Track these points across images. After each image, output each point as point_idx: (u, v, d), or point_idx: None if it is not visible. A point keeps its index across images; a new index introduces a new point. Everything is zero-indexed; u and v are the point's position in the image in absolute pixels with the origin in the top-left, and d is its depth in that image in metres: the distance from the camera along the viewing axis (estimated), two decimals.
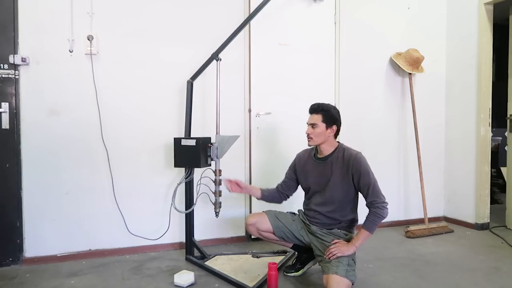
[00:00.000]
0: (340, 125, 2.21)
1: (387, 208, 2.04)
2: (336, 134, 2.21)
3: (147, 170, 2.74)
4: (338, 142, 2.23)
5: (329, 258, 1.98)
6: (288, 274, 2.34)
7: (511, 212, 3.34)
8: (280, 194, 2.41)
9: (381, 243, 2.94)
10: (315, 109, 2.18)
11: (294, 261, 2.41)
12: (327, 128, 2.15)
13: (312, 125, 2.16)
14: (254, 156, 2.98)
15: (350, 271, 1.95)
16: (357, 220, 2.23)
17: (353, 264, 2.02)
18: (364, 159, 2.12)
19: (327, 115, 2.15)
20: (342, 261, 1.95)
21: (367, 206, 2.07)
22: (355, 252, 2.04)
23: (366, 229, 2.03)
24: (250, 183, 2.98)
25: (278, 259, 2.54)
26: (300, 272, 2.35)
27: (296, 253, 2.44)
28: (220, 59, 2.57)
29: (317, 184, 2.23)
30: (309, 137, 2.18)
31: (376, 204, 2.03)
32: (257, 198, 2.41)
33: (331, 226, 2.18)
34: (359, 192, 2.15)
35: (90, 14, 2.58)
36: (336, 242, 2.05)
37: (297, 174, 2.36)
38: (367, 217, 2.04)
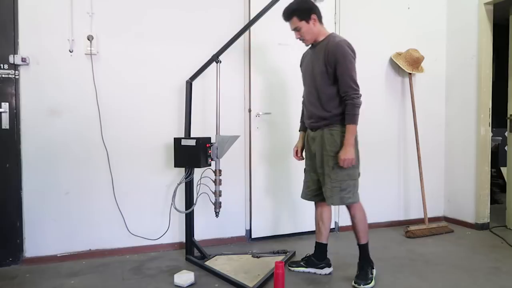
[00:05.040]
0: (318, 9, 2.19)
1: (359, 98, 2.08)
2: (320, 19, 2.20)
3: (147, 170, 2.74)
4: (332, 32, 2.23)
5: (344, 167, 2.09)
6: (290, 268, 2.37)
7: (511, 212, 3.34)
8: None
9: (381, 243, 2.94)
10: (286, 15, 2.18)
11: (303, 258, 2.42)
12: (308, 22, 2.15)
13: (295, 29, 2.18)
14: (254, 156, 2.98)
15: (344, 195, 2.09)
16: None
17: (348, 185, 2.11)
18: (346, 47, 2.09)
19: (299, 12, 2.15)
20: (334, 190, 2.09)
21: (343, 99, 2.10)
22: (352, 168, 2.12)
23: (348, 123, 2.08)
24: (250, 183, 2.98)
25: (278, 259, 2.54)
26: (300, 269, 2.36)
27: (308, 254, 2.43)
28: (220, 61, 2.57)
29: (306, 73, 2.27)
30: (301, 40, 2.22)
31: (350, 95, 2.06)
32: None
33: (323, 121, 2.17)
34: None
35: (90, 14, 2.58)
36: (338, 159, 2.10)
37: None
38: (346, 113, 2.09)
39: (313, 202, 2.40)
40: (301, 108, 2.49)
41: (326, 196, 2.18)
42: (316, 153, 2.23)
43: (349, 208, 2.21)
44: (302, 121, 2.47)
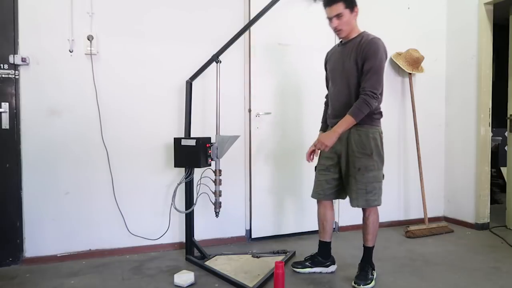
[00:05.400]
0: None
1: (375, 99, 2.01)
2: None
3: (147, 170, 2.74)
4: (365, 31, 2.16)
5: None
6: (295, 269, 2.35)
7: (511, 212, 3.34)
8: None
9: (381, 243, 2.93)
10: None
11: (307, 258, 2.39)
12: (351, 12, 2.09)
13: (337, 16, 2.07)
14: (254, 156, 2.98)
15: (370, 198, 2.06)
16: (379, 113, 2.17)
17: (374, 188, 2.08)
18: (380, 46, 2.03)
19: None
20: (359, 192, 2.06)
21: (360, 94, 2.05)
22: (377, 170, 2.10)
23: (349, 114, 2.02)
24: (250, 183, 2.98)
25: (278, 259, 2.54)
26: (306, 270, 2.34)
27: (312, 253, 2.41)
28: (220, 61, 2.57)
29: (335, 71, 2.20)
30: (338, 30, 2.11)
31: (367, 91, 2.01)
32: None
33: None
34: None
35: (90, 14, 2.58)
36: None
37: (327, 70, 2.35)
38: (354, 104, 2.03)
39: (314, 202, 2.38)
40: (322, 109, 2.46)
41: (351, 197, 2.16)
42: (341, 153, 2.19)
43: (364, 208, 2.19)
44: (323, 121, 2.43)
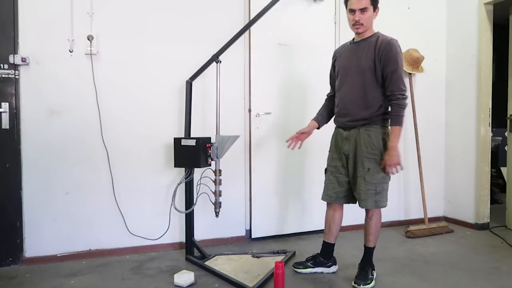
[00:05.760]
0: None
1: (404, 99, 2.06)
2: None
3: (147, 170, 2.74)
4: (379, 31, 2.19)
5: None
6: (296, 269, 2.35)
7: (511, 212, 3.34)
8: (332, 100, 2.37)
9: (381, 243, 2.92)
10: None
11: (308, 258, 2.38)
12: (374, 10, 2.13)
13: (362, 10, 2.09)
14: (254, 156, 2.98)
15: (379, 199, 2.07)
16: (388, 114, 2.16)
17: (383, 189, 2.10)
18: (398, 47, 2.10)
19: None
20: (368, 193, 2.06)
21: (388, 99, 2.09)
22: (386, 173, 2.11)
23: (395, 124, 2.05)
24: (250, 183, 2.98)
25: (278, 259, 2.54)
26: (308, 270, 2.34)
27: (314, 253, 2.40)
28: (220, 61, 2.57)
29: (347, 70, 2.20)
30: (358, 24, 2.11)
31: (397, 94, 2.04)
32: (320, 128, 2.40)
33: (361, 121, 2.13)
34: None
35: (90, 14, 2.58)
36: (383, 165, 2.07)
37: (335, 68, 2.33)
38: (390, 114, 2.08)
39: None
40: (321, 104, 2.48)
41: (360, 199, 2.15)
42: (349, 153, 2.18)
43: (368, 209, 2.18)
44: (319, 114, 2.42)
